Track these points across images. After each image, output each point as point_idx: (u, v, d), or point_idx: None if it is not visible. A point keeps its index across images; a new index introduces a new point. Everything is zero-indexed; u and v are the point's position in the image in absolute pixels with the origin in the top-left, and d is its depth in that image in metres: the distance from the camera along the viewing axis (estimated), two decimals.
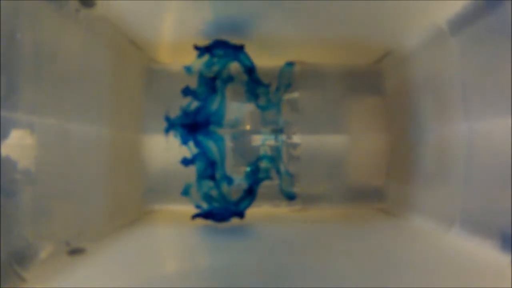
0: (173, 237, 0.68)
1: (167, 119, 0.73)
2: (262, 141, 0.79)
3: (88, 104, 0.60)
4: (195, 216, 0.71)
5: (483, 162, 0.51)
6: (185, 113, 0.72)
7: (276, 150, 0.79)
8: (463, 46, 0.55)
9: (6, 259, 0.42)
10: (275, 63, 0.80)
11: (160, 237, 0.69)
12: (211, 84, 0.73)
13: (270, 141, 0.79)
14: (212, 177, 0.73)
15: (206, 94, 0.73)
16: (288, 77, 0.81)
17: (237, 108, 0.78)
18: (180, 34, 0.70)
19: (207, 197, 0.73)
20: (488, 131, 0.50)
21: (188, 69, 0.74)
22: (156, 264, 0.55)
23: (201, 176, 0.73)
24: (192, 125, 0.72)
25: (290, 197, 0.80)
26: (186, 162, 0.72)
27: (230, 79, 0.74)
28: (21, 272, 0.42)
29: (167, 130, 0.73)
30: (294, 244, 0.62)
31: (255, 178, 0.76)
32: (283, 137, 0.80)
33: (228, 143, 0.77)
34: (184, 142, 0.73)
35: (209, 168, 0.73)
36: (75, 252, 0.51)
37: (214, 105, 0.74)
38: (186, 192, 0.74)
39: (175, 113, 0.73)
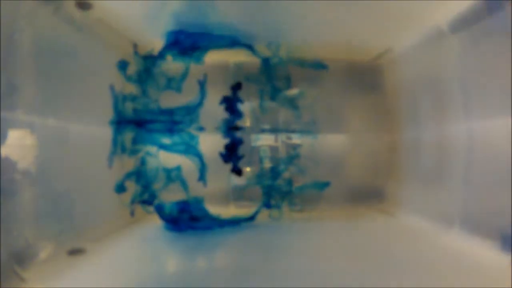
0: (172, 237, 0.68)
1: (112, 90, 0.55)
2: (261, 141, 0.78)
3: (87, 104, 0.60)
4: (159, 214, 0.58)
5: (483, 162, 0.51)
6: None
7: (276, 151, 0.79)
8: (463, 46, 0.55)
9: (6, 259, 0.42)
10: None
11: (160, 237, 0.69)
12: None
13: (269, 141, 0.79)
14: (149, 203, 0.55)
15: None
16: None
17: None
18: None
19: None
20: (488, 131, 0.50)
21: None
22: (156, 264, 0.55)
23: (133, 200, 0.54)
24: (138, 123, 0.54)
25: (323, 186, 0.71)
26: (122, 185, 0.51)
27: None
28: (21, 272, 0.42)
29: (115, 148, 0.53)
30: (294, 244, 0.62)
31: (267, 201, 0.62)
32: (282, 137, 0.79)
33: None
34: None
35: (145, 190, 0.53)
36: (75, 252, 0.51)
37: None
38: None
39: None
